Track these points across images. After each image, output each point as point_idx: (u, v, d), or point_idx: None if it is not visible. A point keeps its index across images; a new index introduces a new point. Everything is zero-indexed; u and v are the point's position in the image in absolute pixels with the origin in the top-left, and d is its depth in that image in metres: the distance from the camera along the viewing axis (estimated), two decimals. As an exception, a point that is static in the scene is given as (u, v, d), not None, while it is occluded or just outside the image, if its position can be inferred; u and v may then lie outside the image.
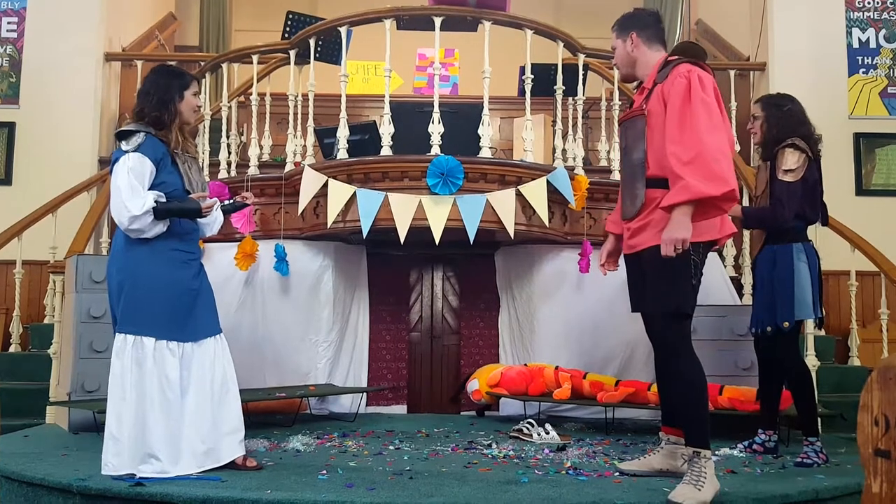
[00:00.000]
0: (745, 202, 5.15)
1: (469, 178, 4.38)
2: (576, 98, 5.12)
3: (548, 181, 4.55)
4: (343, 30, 4.72)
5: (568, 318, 4.88)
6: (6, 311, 5.82)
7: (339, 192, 4.43)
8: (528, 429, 4.02)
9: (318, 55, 5.05)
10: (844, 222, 5.18)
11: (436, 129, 4.44)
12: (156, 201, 2.97)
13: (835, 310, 5.83)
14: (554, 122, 5.06)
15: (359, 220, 4.36)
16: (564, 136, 5.15)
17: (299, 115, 5.05)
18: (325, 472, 3.03)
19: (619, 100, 5.18)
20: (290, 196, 4.77)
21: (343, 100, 4.68)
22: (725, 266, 5.31)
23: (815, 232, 5.13)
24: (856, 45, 6.36)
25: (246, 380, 4.02)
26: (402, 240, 4.33)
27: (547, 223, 4.55)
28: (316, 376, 4.88)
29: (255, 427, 4.02)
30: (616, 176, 4.98)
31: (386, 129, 4.48)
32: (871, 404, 1.43)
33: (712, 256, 4.47)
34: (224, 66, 5.39)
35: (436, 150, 4.41)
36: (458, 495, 2.64)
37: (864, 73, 6.33)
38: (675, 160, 2.68)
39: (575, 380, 4.47)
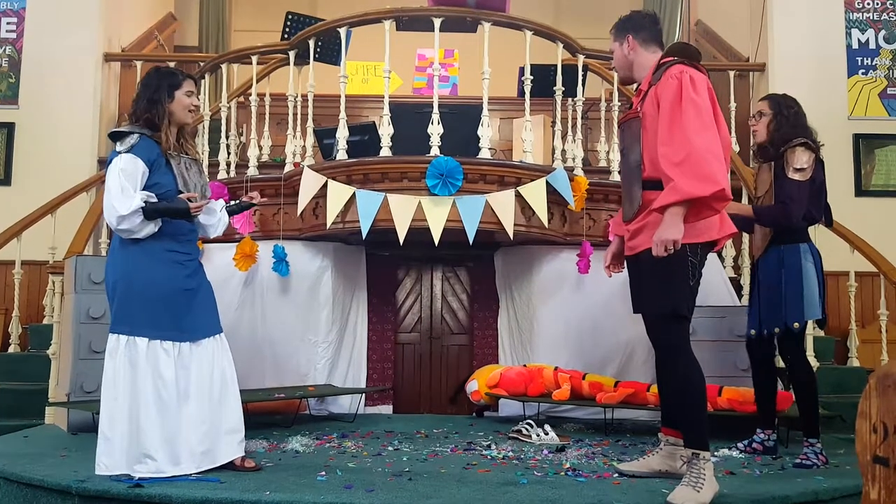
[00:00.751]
0: (744, 202, 5.14)
1: (468, 179, 4.38)
2: (575, 99, 5.12)
3: (547, 182, 4.55)
4: (342, 30, 4.72)
5: (567, 318, 4.88)
6: (5, 312, 5.82)
7: (338, 193, 4.43)
8: (527, 429, 4.02)
9: (317, 56, 5.05)
10: (844, 223, 5.18)
11: (435, 129, 4.44)
12: (145, 202, 2.97)
13: (834, 310, 5.82)
14: (553, 122, 5.06)
15: (358, 221, 4.36)
16: (564, 137, 5.15)
17: (299, 116, 5.05)
18: (324, 473, 3.03)
19: (619, 101, 5.19)
20: (290, 197, 4.77)
21: (342, 100, 4.68)
22: (725, 267, 5.31)
23: (815, 233, 5.14)
24: (855, 45, 6.36)
25: (245, 380, 4.02)
26: (401, 241, 4.33)
27: (546, 224, 4.55)
28: (315, 377, 4.88)
29: (254, 427, 4.02)
30: (615, 177, 4.98)
31: (385, 130, 4.47)
32: (869, 412, 1.43)
33: (711, 257, 4.47)
34: (223, 66, 5.39)
35: (435, 150, 4.41)
36: (456, 496, 2.64)
37: (863, 73, 6.33)
38: (665, 161, 2.68)
39: (574, 380, 4.47)
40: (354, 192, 4.41)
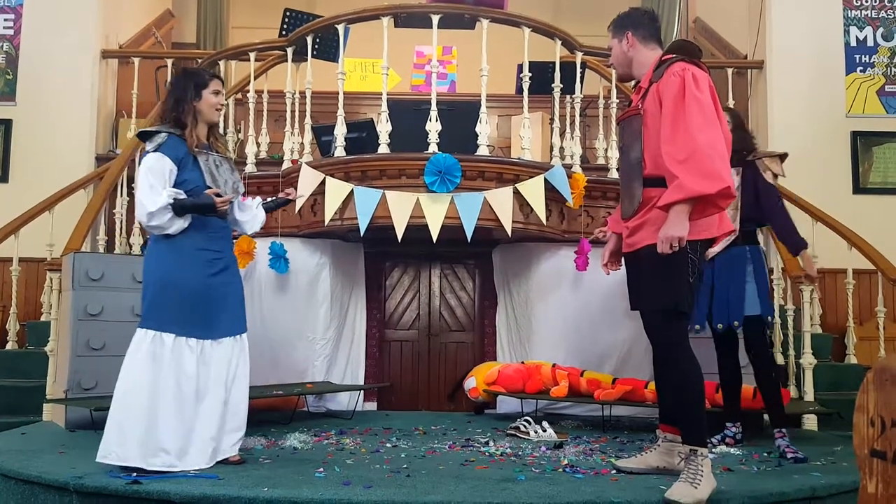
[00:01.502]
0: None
1: (466, 176, 4.39)
2: (573, 96, 5.12)
3: (545, 179, 4.55)
4: (340, 27, 4.72)
5: (565, 315, 4.88)
6: (3, 309, 5.81)
7: (336, 190, 4.43)
8: (525, 426, 4.03)
9: (315, 52, 5.04)
10: (841, 220, 5.19)
11: (433, 126, 4.43)
12: (173, 198, 3.03)
13: (832, 308, 5.84)
14: (552, 119, 5.06)
15: (356, 218, 4.36)
16: (562, 134, 5.15)
17: (297, 113, 5.05)
18: (322, 469, 3.03)
19: (617, 98, 5.19)
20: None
21: (340, 97, 4.68)
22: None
23: (812, 229, 5.15)
24: (853, 43, 6.36)
25: (243, 377, 4.02)
26: (399, 238, 4.33)
27: (544, 221, 4.55)
28: (313, 374, 4.89)
29: (253, 424, 3.98)
30: (614, 174, 4.98)
31: (383, 127, 4.47)
32: (866, 405, 1.44)
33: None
34: (221, 63, 5.39)
35: (433, 147, 4.41)
36: (454, 493, 2.64)
37: (861, 71, 6.33)
38: (670, 159, 2.68)
39: (572, 377, 4.47)
40: (352, 189, 4.41)
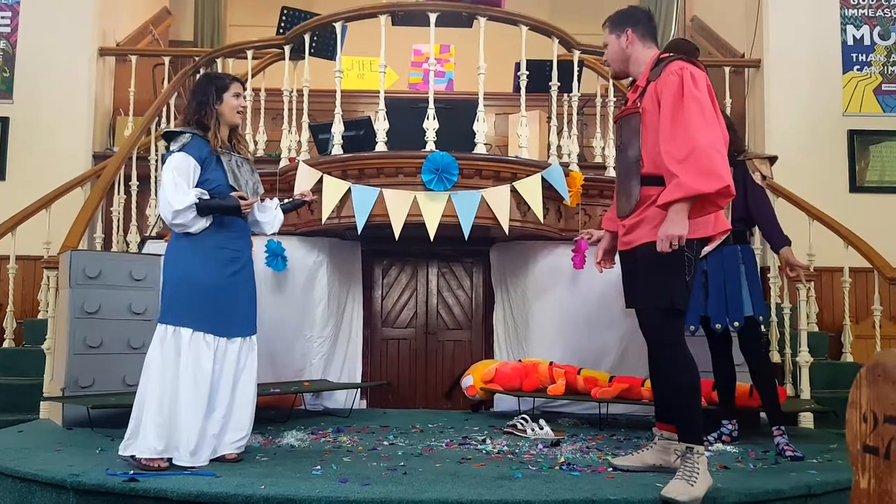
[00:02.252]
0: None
1: (464, 175, 4.39)
2: (571, 94, 5.12)
3: (542, 177, 4.55)
4: (338, 25, 4.72)
5: (562, 314, 4.89)
6: (0, 307, 5.81)
7: (333, 188, 4.43)
8: (522, 424, 4.03)
9: (312, 51, 5.04)
10: (838, 219, 5.20)
11: (431, 125, 4.43)
12: (199, 198, 3.10)
13: (828, 306, 5.85)
14: (549, 118, 5.06)
15: (353, 217, 4.36)
16: (559, 133, 5.15)
17: (294, 111, 5.04)
18: (319, 467, 3.03)
19: (614, 96, 5.19)
20: (285, 192, 4.75)
21: (338, 95, 4.68)
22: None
23: (809, 228, 5.17)
24: (850, 42, 6.37)
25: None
26: (396, 236, 4.33)
27: (542, 219, 4.56)
28: (310, 372, 4.89)
29: (250, 423, 4.02)
30: (611, 172, 4.98)
31: (381, 125, 4.47)
32: (859, 401, 1.44)
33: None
34: (219, 61, 5.39)
35: (431, 146, 4.41)
36: (451, 490, 2.65)
37: (858, 70, 6.34)
38: (669, 158, 2.69)
39: (569, 375, 4.48)
40: (350, 188, 4.41)
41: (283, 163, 4.90)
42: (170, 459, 3.00)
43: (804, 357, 4.56)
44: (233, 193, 3.18)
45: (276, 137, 5.34)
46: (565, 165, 4.87)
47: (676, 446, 2.85)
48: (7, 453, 3.21)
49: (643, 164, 2.87)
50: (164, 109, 5.59)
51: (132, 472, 2.84)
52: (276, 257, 4.71)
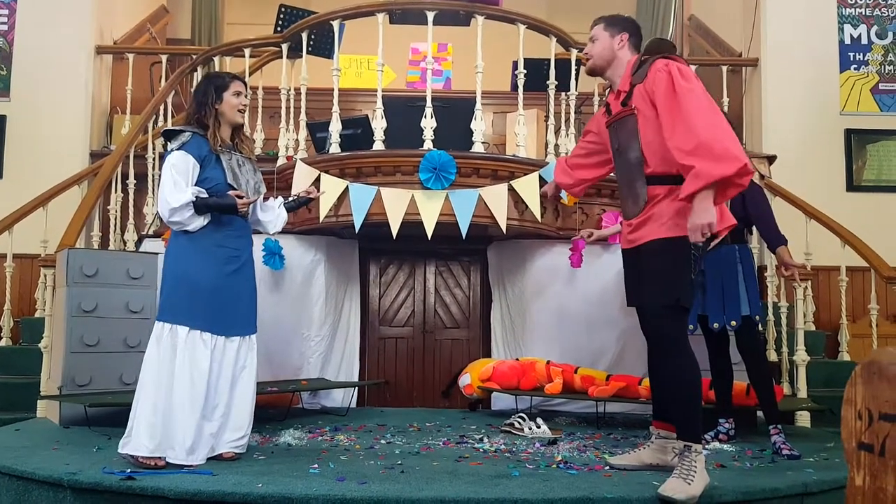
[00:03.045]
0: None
1: (461, 173, 4.39)
2: (568, 93, 5.12)
3: (540, 176, 4.55)
4: (336, 24, 4.72)
5: (560, 312, 4.89)
6: (-3, 305, 5.80)
7: (331, 187, 4.43)
8: (519, 423, 4.04)
9: (310, 49, 5.03)
10: (835, 218, 5.21)
11: (428, 123, 4.43)
12: (196, 196, 3.10)
13: (825, 305, 5.86)
14: (547, 116, 5.06)
15: (351, 215, 4.36)
16: (557, 132, 5.15)
17: (291, 109, 5.04)
18: (316, 465, 3.03)
19: (612, 95, 5.18)
20: (283, 190, 4.75)
21: (335, 94, 4.68)
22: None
23: (806, 227, 5.17)
24: (847, 41, 6.38)
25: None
26: (394, 234, 4.33)
27: (539, 218, 4.56)
28: (308, 370, 4.89)
29: (247, 421, 4.02)
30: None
31: (379, 124, 4.47)
32: (854, 399, 1.45)
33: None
34: (216, 59, 5.39)
35: (428, 144, 4.41)
36: (449, 489, 2.65)
37: (855, 69, 6.35)
38: (679, 153, 2.70)
39: (566, 374, 4.48)
40: (347, 186, 4.41)
41: (281, 161, 4.90)
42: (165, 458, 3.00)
43: (801, 356, 4.57)
44: (230, 192, 3.18)
45: (274, 136, 5.33)
46: (563, 164, 4.87)
47: (674, 444, 2.86)
48: (4, 452, 3.20)
49: (647, 163, 2.88)
50: (162, 107, 5.58)
51: (129, 470, 2.84)
52: (274, 256, 4.71)
